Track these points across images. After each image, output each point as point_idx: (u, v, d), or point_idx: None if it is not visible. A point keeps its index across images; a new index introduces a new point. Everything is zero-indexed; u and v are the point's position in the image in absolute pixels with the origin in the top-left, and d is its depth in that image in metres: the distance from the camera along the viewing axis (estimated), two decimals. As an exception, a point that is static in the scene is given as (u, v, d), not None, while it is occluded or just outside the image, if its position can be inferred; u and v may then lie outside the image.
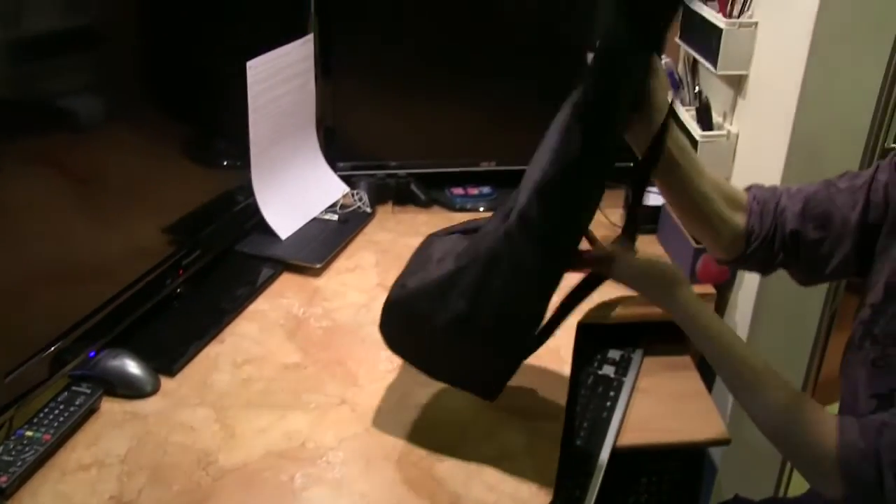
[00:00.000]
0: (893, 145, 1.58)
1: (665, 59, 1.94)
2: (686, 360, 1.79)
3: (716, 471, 1.95)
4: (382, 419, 1.33)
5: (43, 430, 1.23)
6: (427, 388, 1.36)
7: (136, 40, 1.42)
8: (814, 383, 1.82)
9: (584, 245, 1.23)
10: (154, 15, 1.43)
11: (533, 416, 1.35)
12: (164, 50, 1.48)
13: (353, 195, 1.98)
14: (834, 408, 1.14)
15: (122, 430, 1.28)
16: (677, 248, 1.82)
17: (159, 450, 1.25)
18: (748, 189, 1.25)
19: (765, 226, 1.20)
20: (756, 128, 1.74)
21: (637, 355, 1.78)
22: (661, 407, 1.64)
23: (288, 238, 1.80)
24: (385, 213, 2.03)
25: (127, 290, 1.42)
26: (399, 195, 2.09)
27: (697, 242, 1.69)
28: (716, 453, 1.96)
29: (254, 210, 1.76)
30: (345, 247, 1.83)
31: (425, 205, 2.08)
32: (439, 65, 2.00)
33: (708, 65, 1.78)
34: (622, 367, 1.73)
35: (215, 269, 1.69)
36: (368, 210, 1.97)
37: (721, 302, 1.87)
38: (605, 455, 1.48)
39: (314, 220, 1.89)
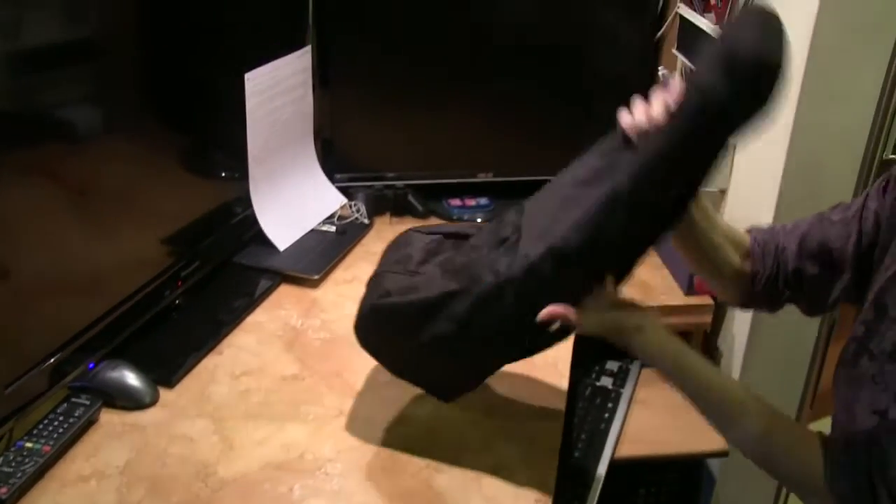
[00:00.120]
0: (892, 156, 1.58)
1: (662, 70, 1.94)
2: (684, 371, 1.79)
3: (714, 482, 1.95)
4: (380, 430, 1.33)
5: (42, 441, 1.22)
6: (425, 399, 1.36)
7: (135, 52, 1.42)
8: (812, 394, 1.82)
9: None
10: (153, 27, 1.44)
11: (531, 427, 1.35)
12: (162, 62, 1.48)
13: (350, 206, 1.99)
14: (829, 421, 1.15)
15: (122, 441, 1.28)
16: (675, 260, 1.82)
17: (158, 461, 1.24)
18: (749, 231, 1.26)
19: (767, 267, 1.22)
20: (753, 139, 1.74)
21: (635, 366, 1.78)
22: (659, 418, 1.65)
23: (286, 249, 1.80)
24: (383, 224, 2.03)
25: (125, 302, 1.42)
26: (397, 206, 2.09)
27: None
28: (714, 465, 1.96)
29: (252, 221, 1.76)
30: (342, 258, 1.83)
31: (423, 216, 2.09)
32: (437, 76, 2.01)
33: (705, 76, 1.78)
34: (620, 378, 1.74)
35: (213, 280, 1.69)
36: (366, 221, 1.97)
37: (719, 314, 1.87)
38: (603, 466, 1.48)
39: (312, 231, 1.89)
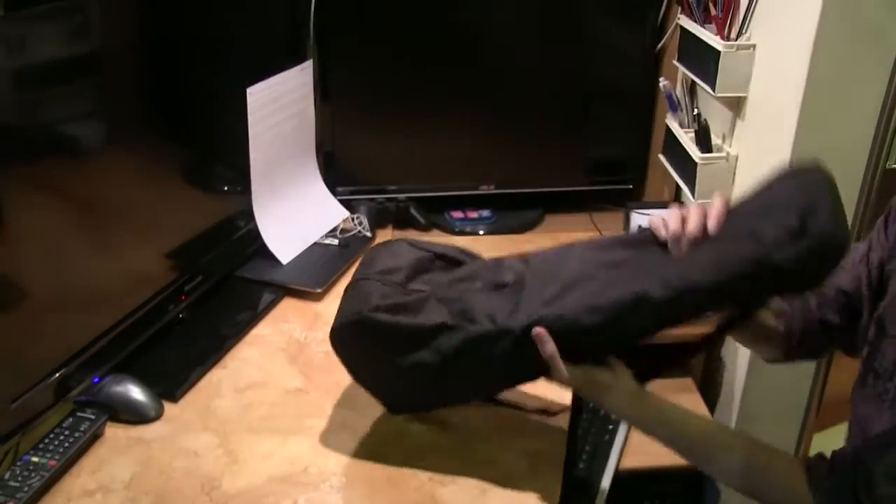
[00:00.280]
0: (894, 166, 1.58)
1: (663, 82, 1.95)
2: (688, 382, 1.79)
3: (718, 493, 1.94)
4: (385, 443, 1.33)
5: (48, 455, 1.22)
6: (429, 413, 1.36)
7: (138, 67, 1.43)
8: (818, 406, 1.82)
9: None
10: (155, 42, 1.45)
11: (535, 440, 1.34)
12: (165, 76, 1.49)
13: (353, 220, 1.99)
14: (835, 430, 1.16)
15: (127, 455, 1.28)
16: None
17: (163, 475, 1.24)
18: None
19: (797, 323, 1.25)
20: (755, 150, 1.74)
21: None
22: (663, 429, 1.64)
23: (289, 263, 1.81)
24: (385, 237, 2.03)
25: (130, 317, 1.42)
26: (399, 219, 2.09)
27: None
28: (718, 475, 1.95)
29: (255, 235, 1.76)
30: (345, 271, 1.83)
31: (425, 228, 2.09)
32: (438, 89, 2.01)
33: (706, 87, 1.78)
34: (624, 389, 1.73)
35: (217, 294, 1.69)
36: (368, 234, 1.97)
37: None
38: (607, 479, 1.48)
39: (315, 244, 1.90)
